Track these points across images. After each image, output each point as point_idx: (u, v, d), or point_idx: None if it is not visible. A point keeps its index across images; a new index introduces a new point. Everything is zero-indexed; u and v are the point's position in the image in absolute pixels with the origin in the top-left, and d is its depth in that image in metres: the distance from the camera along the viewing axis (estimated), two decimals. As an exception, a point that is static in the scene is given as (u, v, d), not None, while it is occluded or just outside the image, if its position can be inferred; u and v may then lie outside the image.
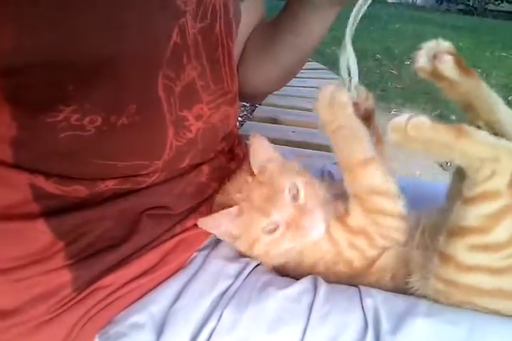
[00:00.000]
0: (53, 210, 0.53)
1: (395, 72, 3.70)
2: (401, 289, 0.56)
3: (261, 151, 0.62)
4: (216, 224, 0.58)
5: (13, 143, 0.48)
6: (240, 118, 1.86)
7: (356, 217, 0.56)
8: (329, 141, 0.58)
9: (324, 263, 0.59)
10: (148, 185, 0.59)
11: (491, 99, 0.53)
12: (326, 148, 1.27)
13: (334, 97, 0.54)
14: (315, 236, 0.57)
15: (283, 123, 1.69)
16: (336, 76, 2.28)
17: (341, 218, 0.57)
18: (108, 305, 0.54)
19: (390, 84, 3.52)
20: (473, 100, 0.53)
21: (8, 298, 0.52)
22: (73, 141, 0.49)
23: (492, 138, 0.47)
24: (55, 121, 0.47)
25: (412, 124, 0.47)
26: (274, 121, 1.70)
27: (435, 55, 0.51)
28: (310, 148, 1.47)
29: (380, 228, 0.56)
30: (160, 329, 0.52)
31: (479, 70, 3.64)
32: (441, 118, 2.63)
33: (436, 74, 0.52)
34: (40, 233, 0.52)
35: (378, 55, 3.95)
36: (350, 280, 0.58)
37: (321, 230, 0.57)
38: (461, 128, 0.47)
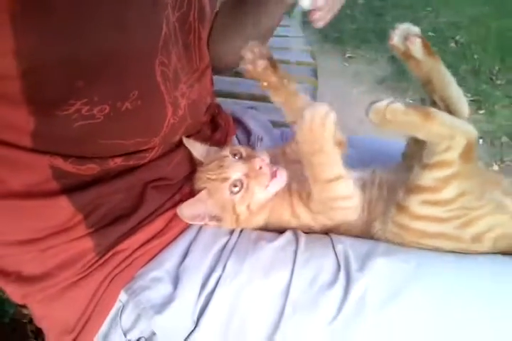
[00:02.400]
0: (72, 187, 0.60)
1: (348, 12, 3.69)
2: (363, 233, 0.69)
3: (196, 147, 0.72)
4: (193, 210, 0.65)
5: (32, 134, 0.54)
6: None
7: (316, 203, 0.65)
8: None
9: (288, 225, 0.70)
10: (149, 160, 0.67)
11: (446, 78, 0.65)
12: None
13: (324, 121, 0.57)
14: (279, 182, 0.66)
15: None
16: (300, 34, 2.21)
17: (303, 200, 0.67)
18: (128, 265, 0.64)
19: (345, 26, 3.52)
20: (432, 78, 0.65)
21: (37, 264, 0.61)
22: (85, 128, 0.56)
23: (451, 119, 0.59)
24: (68, 114, 0.53)
25: (389, 109, 0.57)
26: (239, 74, 1.72)
27: (406, 36, 0.62)
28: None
29: (335, 211, 0.65)
30: (175, 281, 0.63)
31: (429, 8, 3.69)
32: (395, 58, 2.70)
33: (406, 53, 0.63)
34: (62, 207, 0.60)
35: (332, -5, 3.89)
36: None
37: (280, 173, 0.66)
38: (428, 112, 0.57)
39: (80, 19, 0.48)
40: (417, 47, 0.62)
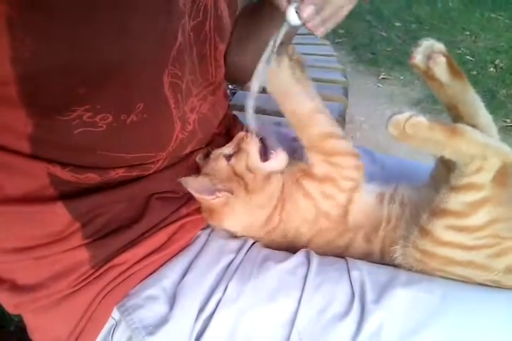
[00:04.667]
0: (70, 194, 0.57)
1: (384, 34, 3.66)
2: (378, 256, 0.63)
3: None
4: (199, 184, 0.64)
5: (30, 138, 0.52)
6: (230, 86, 1.86)
7: (318, 165, 0.63)
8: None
9: (307, 224, 0.65)
10: (154, 171, 0.63)
11: (475, 104, 0.58)
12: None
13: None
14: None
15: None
16: (333, 53, 2.18)
17: (307, 171, 0.64)
18: (124, 280, 0.60)
19: (380, 47, 3.48)
20: (458, 103, 0.58)
21: (32, 273, 0.59)
22: (86, 136, 0.53)
23: (483, 138, 0.53)
24: (68, 120, 0.51)
25: (410, 123, 0.52)
26: (265, 90, 1.71)
27: (430, 55, 0.55)
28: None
29: (340, 169, 0.63)
30: (172, 301, 0.58)
31: (468, 32, 3.61)
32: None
33: (429, 74, 0.57)
34: (59, 215, 0.57)
35: (368, 17, 3.88)
36: (332, 244, 0.65)
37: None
38: (455, 128, 0.52)
39: (79, 25, 0.46)
40: (441, 69, 0.56)
